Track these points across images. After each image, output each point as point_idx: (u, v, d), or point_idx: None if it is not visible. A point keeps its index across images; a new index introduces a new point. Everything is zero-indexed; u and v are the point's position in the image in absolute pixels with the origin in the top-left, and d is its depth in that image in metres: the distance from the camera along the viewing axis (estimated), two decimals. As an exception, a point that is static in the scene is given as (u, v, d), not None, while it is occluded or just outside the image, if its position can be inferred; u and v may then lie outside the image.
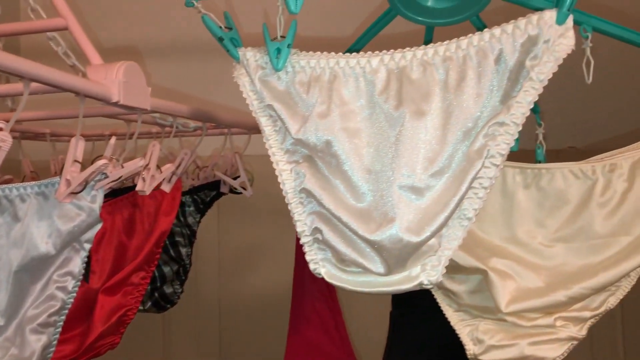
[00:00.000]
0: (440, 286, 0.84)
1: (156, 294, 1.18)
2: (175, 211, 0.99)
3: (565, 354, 0.79)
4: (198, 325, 1.77)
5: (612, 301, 0.79)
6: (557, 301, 0.77)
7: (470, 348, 0.81)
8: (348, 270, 0.73)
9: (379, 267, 0.70)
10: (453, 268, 0.81)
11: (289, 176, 0.75)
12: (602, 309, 0.79)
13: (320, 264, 0.74)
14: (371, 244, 0.69)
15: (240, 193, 1.16)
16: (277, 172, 0.76)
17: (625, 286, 0.79)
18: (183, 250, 1.20)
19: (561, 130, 1.59)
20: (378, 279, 0.72)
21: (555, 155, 0.85)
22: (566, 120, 1.59)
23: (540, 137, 0.97)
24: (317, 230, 0.73)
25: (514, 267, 0.79)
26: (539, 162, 0.96)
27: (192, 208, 1.20)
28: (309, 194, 0.73)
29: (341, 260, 0.73)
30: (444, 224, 0.69)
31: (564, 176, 0.80)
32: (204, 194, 1.20)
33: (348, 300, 1.36)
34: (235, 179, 1.15)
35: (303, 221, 0.74)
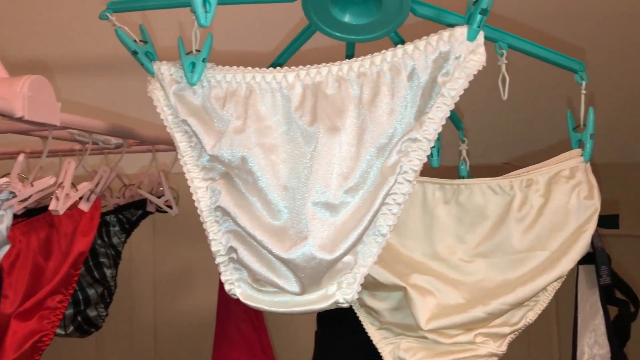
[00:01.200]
0: (362, 304, 0.83)
1: (79, 318, 1.13)
2: (94, 231, 0.95)
3: (486, 370, 0.79)
4: (133, 346, 1.71)
5: (531, 316, 0.80)
6: (476, 317, 0.77)
7: (393, 366, 0.80)
8: (264, 291, 0.71)
9: (293, 286, 0.68)
10: (373, 285, 0.80)
11: (204, 194, 0.73)
12: (521, 324, 0.79)
13: (235, 285, 0.72)
14: (285, 262, 0.67)
15: (166, 212, 1.13)
16: (191, 190, 0.74)
17: (544, 301, 0.80)
18: (108, 272, 1.16)
19: (500, 146, 1.62)
20: (294, 298, 0.70)
21: (488, 171, 0.85)
22: (506, 136, 1.62)
23: (464, 154, 0.97)
24: (232, 249, 0.71)
25: (435, 283, 0.79)
26: (462, 177, 0.97)
27: (117, 228, 1.16)
28: (224, 212, 0.71)
29: (256, 280, 0.71)
30: (357, 241, 0.68)
31: (482, 192, 0.81)
32: (130, 213, 1.17)
33: (276, 320, 1.35)
34: (160, 197, 1.12)
35: (218, 240, 0.72)
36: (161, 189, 1.12)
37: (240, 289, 0.72)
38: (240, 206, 0.70)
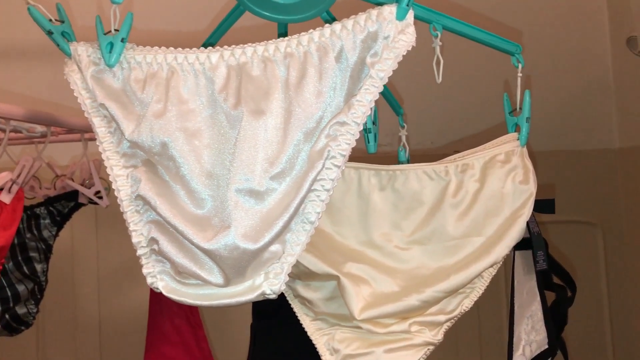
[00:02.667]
0: (296, 294, 0.80)
1: (7, 316, 1.08)
2: (17, 224, 0.90)
3: (423, 360, 0.77)
4: (77, 344, 1.65)
5: (467, 303, 0.78)
6: (410, 306, 0.75)
7: (327, 358, 0.77)
8: (187, 283, 0.68)
9: (217, 278, 0.65)
10: (307, 275, 0.78)
11: (124, 182, 0.69)
12: (457, 312, 0.78)
13: (157, 277, 0.68)
14: (207, 253, 0.64)
15: (98, 204, 1.08)
16: (110, 178, 0.70)
17: (480, 287, 0.79)
18: (38, 267, 1.11)
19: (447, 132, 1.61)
20: (219, 290, 0.67)
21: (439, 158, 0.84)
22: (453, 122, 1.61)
23: (404, 139, 0.95)
24: (153, 240, 0.67)
25: (370, 271, 0.77)
26: (401, 163, 0.95)
27: (47, 220, 1.11)
28: (144, 201, 0.67)
29: (179, 273, 0.67)
30: (284, 229, 0.65)
31: (418, 177, 0.79)
32: (61, 205, 1.12)
33: (212, 314, 1.31)
34: (91, 188, 1.07)
35: (139, 231, 0.68)
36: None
37: (162, 282, 0.68)
38: (162, 195, 0.66)
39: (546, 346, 0.83)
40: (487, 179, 0.77)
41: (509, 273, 0.84)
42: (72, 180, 1.11)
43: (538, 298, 0.82)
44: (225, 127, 0.67)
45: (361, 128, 0.66)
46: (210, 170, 0.66)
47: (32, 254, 1.10)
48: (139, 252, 0.69)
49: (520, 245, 0.82)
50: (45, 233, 1.11)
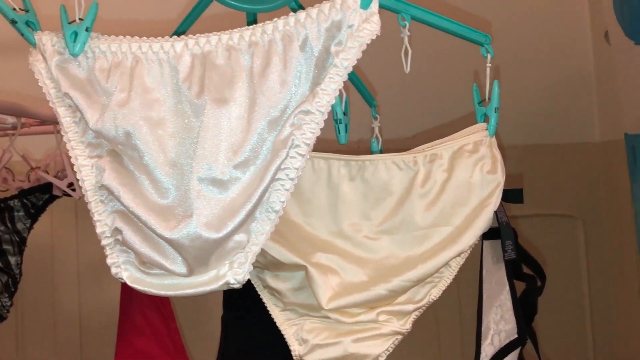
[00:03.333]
0: (265, 285, 0.80)
1: (-20, 309, 1.07)
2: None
3: (390, 349, 0.77)
4: (57, 339, 1.64)
5: (435, 293, 0.78)
6: (378, 295, 0.75)
7: (296, 348, 0.77)
8: (151, 273, 0.67)
9: (180, 267, 0.65)
10: (275, 265, 0.77)
11: (89, 172, 0.69)
12: (425, 301, 0.78)
13: (122, 267, 0.68)
14: (170, 243, 0.64)
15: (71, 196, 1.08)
16: (75, 168, 0.70)
17: (448, 277, 0.79)
18: (12, 260, 1.10)
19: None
20: (183, 280, 0.67)
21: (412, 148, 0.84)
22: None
23: (376, 131, 0.95)
24: (117, 230, 0.67)
25: (339, 261, 0.77)
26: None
27: (21, 213, 1.10)
28: (108, 190, 0.67)
29: (143, 263, 0.67)
30: (247, 218, 0.65)
31: (387, 167, 0.79)
32: (35, 198, 1.11)
33: (184, 305, 1.30)
34: (64, 180, 1.07)
35: (103, 221, 0.68)
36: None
37: (127, 272, 0.68)
38: (125, 184, 0.66)
39: (515, 335, 0.83)
40: (455, 169, 0.78)
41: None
42: (47, 172, 1.10)
43: (507, 288, 0.83)
44: (190, 117, 0.66)
45: (326, 117, 0.66)
46: (174, 160, 0.66)
47: (6, 247, 1.09)
48: (103, 242, 0.69)
49: (489, 235, 0.82)
50: (19, 225, 1.11)
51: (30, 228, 1.12)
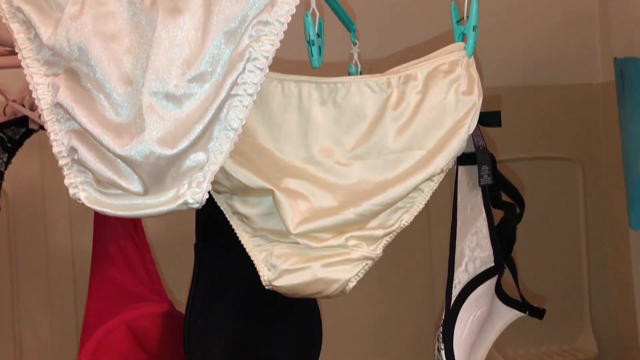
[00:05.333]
0: (234, 211, 0.78)
1: (-41, 243, 1.06)
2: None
3: (361, 275, 0.76)
4: (51, 281, 1.65)
5: (407, 218, 0.76)
6: (347, 219, 0.73)
7: (265, 274, 0.76)
8: (109, 193, 0.66)
9: (136, 186, 0.63)
10: (242, 190, 0.75)
11: (45, 91, 0.67)
12: (396, 226, 0.76)
13: (79, 188, 0.66)
14: (124, 160, 0.62)
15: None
16: (31, 87, 0.67)
17: (420, 202, 0.76)
18: (-10, 194, 1.09)
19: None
20: (142, 200, 0.65)
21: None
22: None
23: (355, 57, 0.92)
24: (73, 150, 0.65)
25: (309, 187, 0.74)
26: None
27: (-3, 147, 1.09)
28: (63, 108, 0.65)
29: (99, 182, 0.65)
30: (203, 134, 0.62)
31: (359, 90, 0.76)
32: (11, 131, 1.09)
33: (159, 237, 1.28)
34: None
35: (60, 141, 0.66)
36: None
37: (84, 193, 0.66)
38: (80, 102, 0.64)
39: (492, 264, 0.81)
40: (429, 90, 0.74)
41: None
42: (23, 106, 1.08)
43: (484, 214, 0.81)
44: (146, 30, 0.63)
45: (285, 28, 0.63)
46: (130, 76, 0.63)
47: (-16, 181, 1.08)
48: (60, 162, 0.67)
49: (465, 160, 0.80)
50: (-4, 160, 1.09)
51: (7, 162, 1.10)
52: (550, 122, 1.79)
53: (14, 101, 1.09)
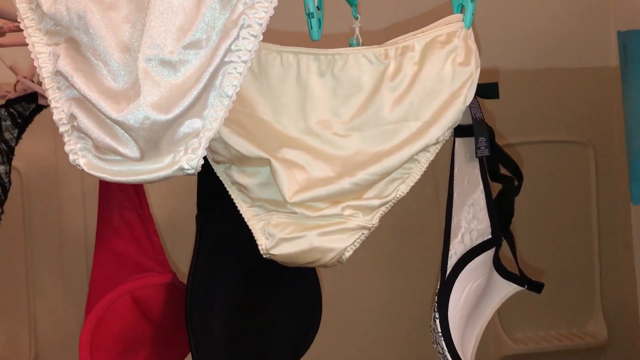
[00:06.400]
0: (233, 181, 0.79)
1: (-29, 217, 1.09)
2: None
3: (357, 244, 0.76)
4: (64, 260, 1.67)
5: (403, 189, 0.77)
6: (342, 189, 0.74)
7: (262, 243, 0.77)
8: (107, 159, 0.67)
9: (133, 151, 0.64)
10: (239, 160, 0.77)
11: (46, 60, 0.68)
12: (392, 197, 0.76)
13: (79, 154, 0.68)
14: (120, 125, 0.63)
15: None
16: (32, 56, 0.69)
17: (416, 172, 0.77)
18: (1, 168, 1.11)
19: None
20: (140, 166, 0.66)
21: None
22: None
23: (357, 32, 0.92)
24: (73, 117, 0.66)
25: (306, 157, 0.75)
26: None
27: (8, 122, 1.11)
28: (63, 76, 0.66)
29: (98, 148, 0.67)
30: (197, 100, 0.63)
31: (357, 61, 0.76)
32: (22, 107, 1.11)
33: (160, 209, 1.27)
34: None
35: (60, 108, 0.67)
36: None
37: (84, 159, 0.67)
38: (79, 69, 0.65)
39: (489, 236, 0.82)
40: (426, 61, 0.75)
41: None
42: (33, 82, 1.10)
43: (481, 186, 0.81)
44: None
45: (279, -6, 0.63)
46: (128, 44, 0.64)
47: (-5, 156, 1.10)
48: (61, 129, 0.68)
49: (463, 132, 0.80)
50: (7, 135, 1.11)
51: (18, 138, 1.12)
52: (562, 105, 1.78)
53: (25, 77, 1.11)
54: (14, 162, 1.30)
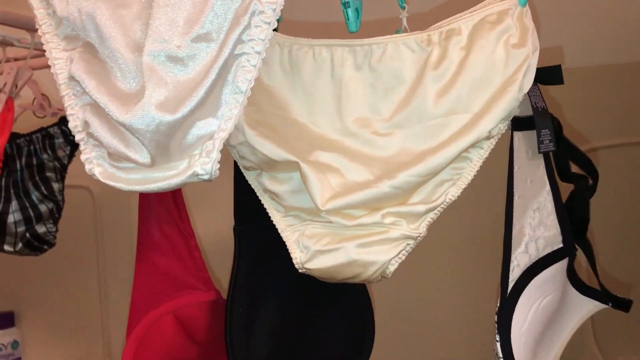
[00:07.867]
0: (265, 189, 0.73)
1: (28, 235, 1.09)
2: (6, 135, 0.89)
3: (403, 257, 0.67)
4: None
5: (453, 192, 0.67)
6: (380, 193, 0.65)
7: (297, 256, 0.70)
8: (120, 167, 0.62)
9: (144, 156, 0.59)
10: (267, 165, 0.70)
11: (63, 65, 0.65)
12: (441, 201, 0.67)
13: (94, 163, 0.63)
14: (128, 128, 0.58)
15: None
16: (49, 62, 0.66)
17: (468, 173, 0.67)
18: (55, 186, 1.11)
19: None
20: (155, 173, 0.61)
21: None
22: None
23: (404, 22, 0.83)
24: (87, 124, 0.63)
25: (342, 160, 0.67)
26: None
27: (60, 140, 1.11)
28: (76, 81, 0.62)
29: (111, 155, 0.62)
30: (206, 98, 0.57)
31: (397, 50, 0.68)
32: (74, 124, 1.10)
33: (201, 222, 1.22)
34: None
35: (75, 115, 0.64)
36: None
37: (100, 168, 0.63)
38: (91, 73, 0.61)
39: (560, 245, 0.70)
40: (475, 45, 0.65)
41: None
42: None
43: (547, 187, 0.70)
44: None
45: (293, -24, 0.57)
46: (140, 42, 0.60)
47: (49, 174, 1.10)
48: (77, 137, 0.64)
49: (522, 126, 0.70)
50: (60, 152, 1.11)
51: (71, 155, 1.12)
52: (627, 104, 1.59)
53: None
54: (84, 181, 1.30)
